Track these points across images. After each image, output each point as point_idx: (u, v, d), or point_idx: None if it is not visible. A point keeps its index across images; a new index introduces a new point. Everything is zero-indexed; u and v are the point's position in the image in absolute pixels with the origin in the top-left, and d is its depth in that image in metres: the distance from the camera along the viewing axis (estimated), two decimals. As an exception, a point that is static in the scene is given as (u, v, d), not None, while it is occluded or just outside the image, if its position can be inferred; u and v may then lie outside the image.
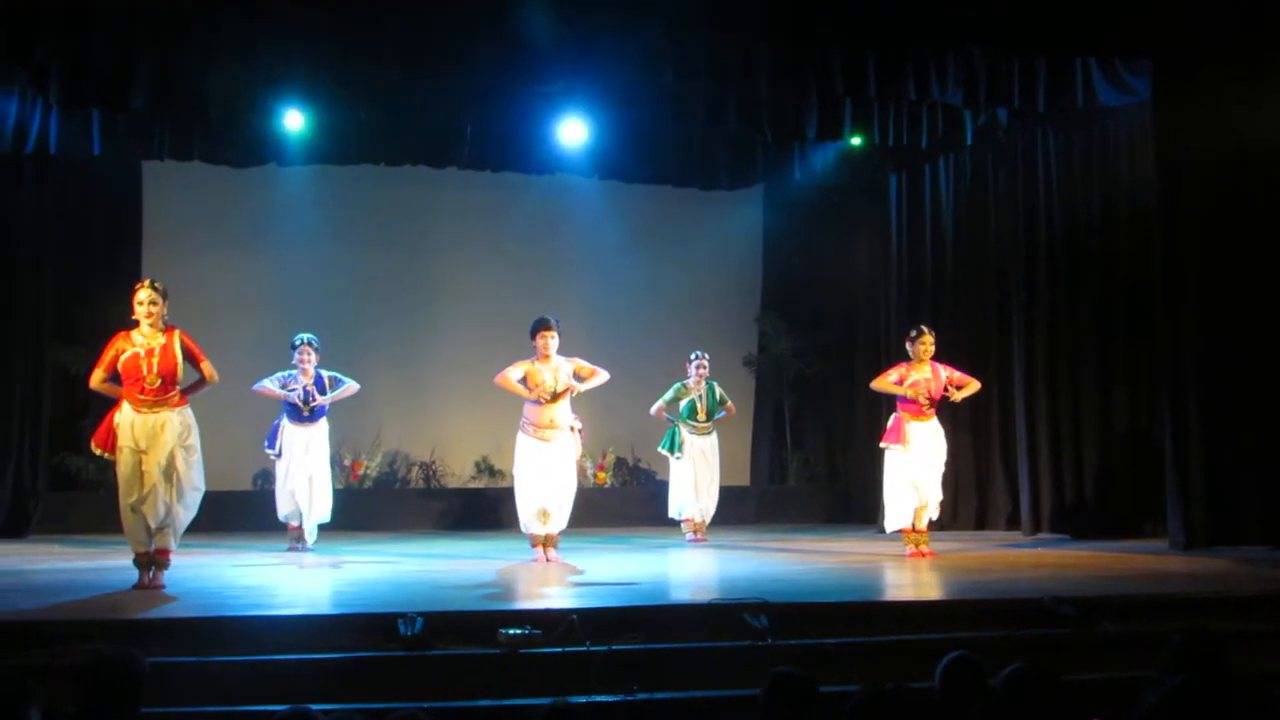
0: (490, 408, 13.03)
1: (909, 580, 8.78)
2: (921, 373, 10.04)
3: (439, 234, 14.29)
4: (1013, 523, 12.14)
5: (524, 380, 9.66)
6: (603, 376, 9.86)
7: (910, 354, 10.10)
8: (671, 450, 11.81)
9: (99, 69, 10.19)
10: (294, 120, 11.76)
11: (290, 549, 10.50)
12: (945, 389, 10.10)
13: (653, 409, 11.82)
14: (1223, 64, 10.15)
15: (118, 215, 13.44)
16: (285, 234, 13.73)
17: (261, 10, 9.43)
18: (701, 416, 11.79)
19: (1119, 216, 11.48)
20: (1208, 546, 10.02)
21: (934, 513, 10.19)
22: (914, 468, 9.97)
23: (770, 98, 11.06)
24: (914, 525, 10.07)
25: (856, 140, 12.43)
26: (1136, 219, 11.18)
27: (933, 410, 10.07)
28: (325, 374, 10.59)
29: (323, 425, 10.66)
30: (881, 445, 10.29)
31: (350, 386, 10.67)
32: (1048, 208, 12.00)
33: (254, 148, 12.37)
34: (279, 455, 10.54)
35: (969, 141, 12.31)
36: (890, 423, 10.23)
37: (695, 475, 11.74)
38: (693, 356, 11.80)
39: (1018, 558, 10.05)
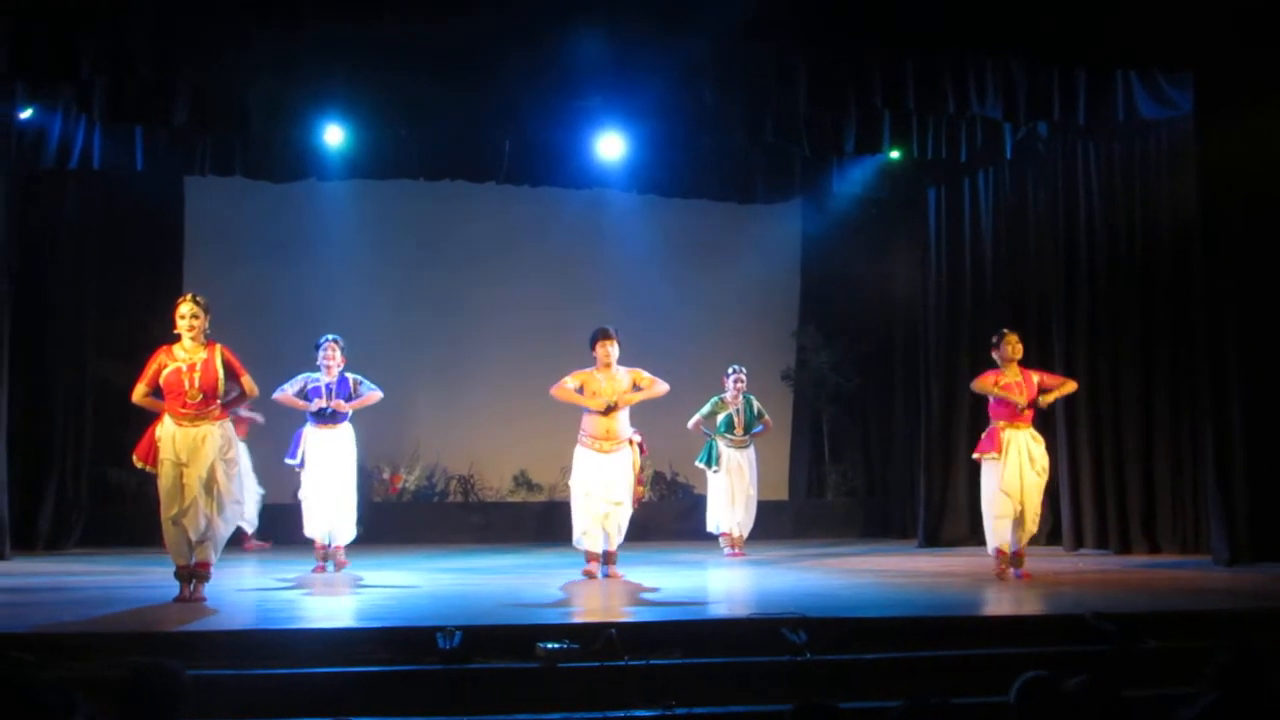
0: (528, 421, 13.08)
1: (949, 596, 8.72)
2: (1012, 376, 9.58)
3: (478, 248, 14.33)
4: (1054, 538, 12.06)
5: (580, 389, 9.41)
6: (662, 387, 9.56)
7: (997, 360, 9.64)
8: (709, 464, 11.80)
9: (142, 85, 10.29)
10: (334, 135, 11.85)
11: (317, 569, 9.84)
12: (1038, 393, 9.60)
13: (690, 423, 11.81)
14: (1265, 76, 10.08)
15: (160, 229, 13.55)
16: (325, 248, 13.80)
17: (301, 26, 9.49)
18: (739, 430, 11.77)
19: (1160, 231, 11.40)
20: (1252, 562, 9.92)
21: (1033, 527, 9.62)
22: (1012, 477, 9.43)
23: (809, 111, 11.05)
24: (1012, 545, 9.47)
25: (895, 154, 12.42)
26: (1178, 233, 11.10)
27: (1029, 415, 9.59)
28: (350, 376, 10.00)
29: (348, 430, 10.00)
30: (975, 457, 9.83)
31: (372, 394, 9.99)
32: (1088, 222, 11.94)
33: (294, 162, 12.44)
34: (302, 465, 9.90)
35: (1008, 155, 12.30)
36: (985, 434, 9.75)
37: (732, 489, 11.72)
38: (730, 371, 11.79)
39: (1059, 573, 9.98)
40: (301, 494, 9.99)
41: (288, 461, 10.04)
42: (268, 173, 12.62)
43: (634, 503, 9.62)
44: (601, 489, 9.38)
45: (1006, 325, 10.05)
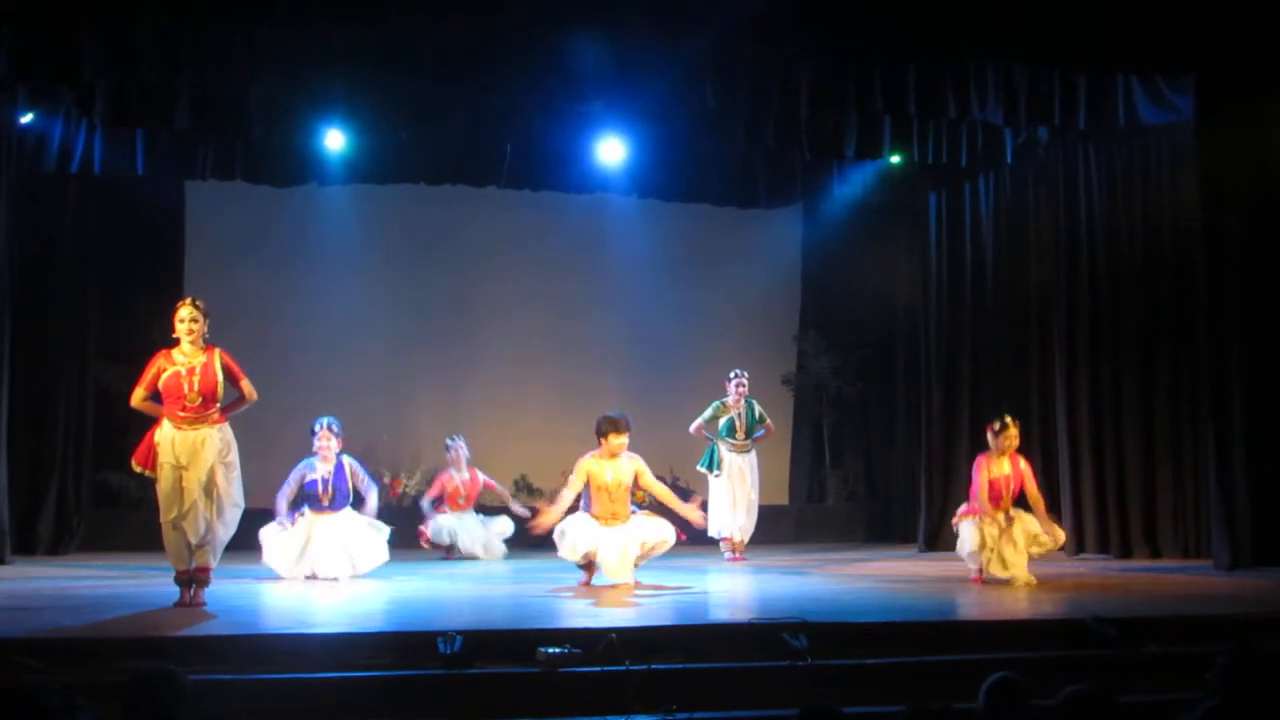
0: (529, 425, 13.07)
1: (951, 600, 8.72)
2: (1001, 469, 9.44)
3: (478, 252, 14.32)
4: (1055, 542, 12.05)
5: (587, 483, 9.22)
6: (663, 490, 9.62)
7: (991, 445, 9.52)
8: (710, 468, 11.78)
9: (143, 89, 10.32)
10: (335, 140, 11.87)
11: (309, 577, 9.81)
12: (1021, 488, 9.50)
13: (691, 427, 11.81)
14: (1266, 80, 10.09)
15: (160, 234, 13.54)
16: (326, 253, 13.80)
17: (302, 30, 9.50)
18: (740, 435, 11.76)
19: (1161, 235, 11.40)
20: (1253, 567, 9.93)
21: (1060, 541, 9.60)
22: (996, 541, 9.37)
23: (810, 115, 11.06)
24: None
25: (896, 158, 12.43)
26: (1179, 238, 11.11)
27: (1009, 505, 9.46)
28: (348, 463, 10.00)
29: (349, 513, 9.92)
30: (954, 523, 9.78)
31: (371, 494, 10.08)
32: (1089, 226, 11.94)
33: (295, 167, 12.46)
34: (285, 525, 9.78)
35: (1009, 160, 12.30)
36: (967, 504, 9.62)
37: (734, 493, 11.71)
38: (732, 375, 11.78)
39: (1060, 577, 9.97)
40: (268, 541, 9.85)
41: (281, 520, 9.83)
42: (268, 177, 12.64)
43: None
44: (596, 542, 9.16)
45: (1010, 414, 9.76)
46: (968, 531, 9.48)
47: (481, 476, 11.99)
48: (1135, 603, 8.22)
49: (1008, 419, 9.55)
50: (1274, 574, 9.61)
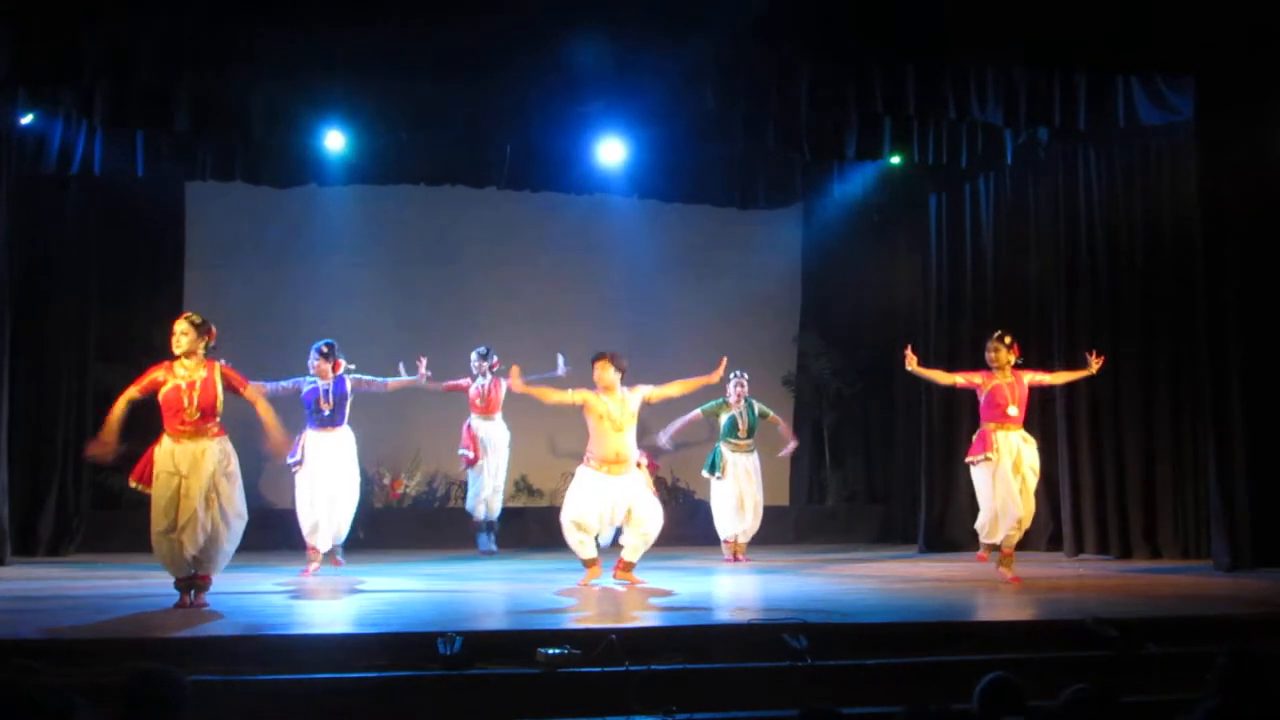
0: (528, 427, 13.05)
1: (950, 601, 8.72)
2: (1005, 378, 9.67)
3: (478, 253, 14.32)
4: (1054, 543, 12.05)
5: (583, 408, 9.14)
6: (672, 387, 9.46)
7: (989, 363, 9.79)
8: (712, 472, 11.76)
9: (143, 90, 10.32)
10: (335, 140, 11.86)
11: (304, 572, 9.96)
12: (1030, 394, 9.81)
13: (690, 413, 11.73)
14: (1266, 80, 10.08)
15: (161, 235, 13.53)
16: (326, 253, 13.79)
17: (302, 31, 9.50)
18: (742, 434, 11.75)
19: (1161, 235, 11.39)
20: (1253, 567, 9.92)
21: (1028, 524, 9.72)
22: (1004, 478, 9.52)
23: (810, 116, 11.06)
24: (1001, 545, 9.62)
25: (896, 159, 12.42)
26: (1179, 238, 11.10)
27: (1019, 418, 9.65)
28: (350, 377, 10.15)
29: (347, 433, 10.18)
30: (968, 461, 9.87)
31: (388, 381, 10.34)
32: (1089, 227, 11.94)
33: (295, 168, 12.46)
34: (300, 462, 10.00)
35: (1009, 160, 12.28)
36: (976, 436, 9.83)
37: (740, 495, 11.68)
38: (732, 376, 11.76)
39: (1060, 578, 9.98)
40: (298, 495, 10.13)
41: (288, 461, 10.05)
42: (269, 178, 12.64)
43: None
44: (608, 512, 9.13)
45: (1002, 327, 10.13)
46: (988, 509, 9.62)
47: (504, 383, 11.88)
48: (1135, 603, 8.23)
49: (996, 334, 9.87)
50: (1274, 574, 9.61)
